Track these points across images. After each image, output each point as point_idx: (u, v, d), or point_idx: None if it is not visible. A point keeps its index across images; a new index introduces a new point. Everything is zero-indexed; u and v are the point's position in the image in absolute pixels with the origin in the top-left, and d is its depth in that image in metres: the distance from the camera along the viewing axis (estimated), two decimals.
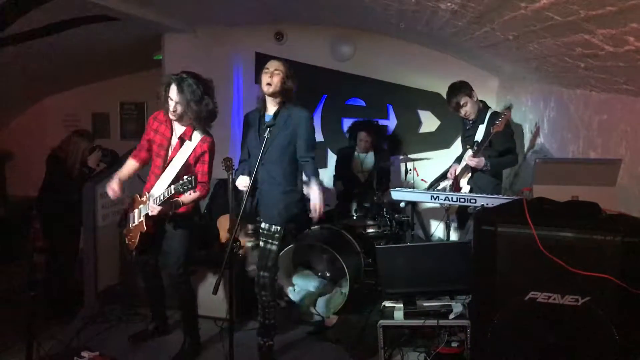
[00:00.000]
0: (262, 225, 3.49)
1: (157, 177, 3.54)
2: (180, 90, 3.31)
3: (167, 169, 3.50)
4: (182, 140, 3.50)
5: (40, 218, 4.78)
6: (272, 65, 3.41)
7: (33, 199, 4.91)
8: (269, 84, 3.37)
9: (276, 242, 3.46)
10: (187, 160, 3.47)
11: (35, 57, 5.67)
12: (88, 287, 4.58)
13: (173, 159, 3.51)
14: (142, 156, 3.71)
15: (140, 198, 3.58)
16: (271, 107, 3.48)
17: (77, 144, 4.62)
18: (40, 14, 4.49)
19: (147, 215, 3.46)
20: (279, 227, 3.45)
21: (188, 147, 3.48)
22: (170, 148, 3.54)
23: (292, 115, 3.42)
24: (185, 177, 3.16)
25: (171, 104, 3.34)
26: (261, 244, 3.50)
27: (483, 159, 4.00)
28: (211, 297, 4.17)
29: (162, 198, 3.34)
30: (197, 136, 3.49)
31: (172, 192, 3.25)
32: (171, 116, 3.41)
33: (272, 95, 3.41)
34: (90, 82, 7.53)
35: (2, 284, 5.00)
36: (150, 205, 3.41)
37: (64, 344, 3.75)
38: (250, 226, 3.63)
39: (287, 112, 3.43)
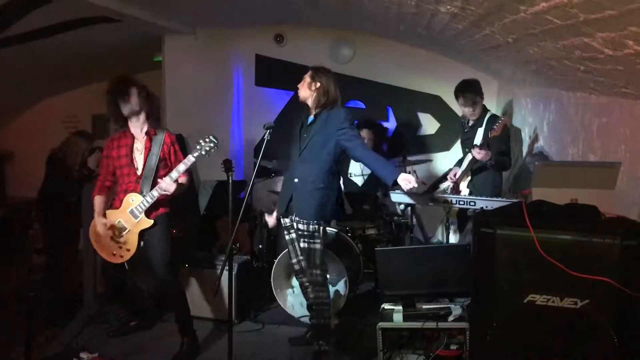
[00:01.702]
0: (300, 226, 3.53)
1: (135, 181, 3.60)
2: (125, 84, 3.60)
3: (145, 167, 3.59)
4: (149, 135, 3.66)
5: (39, 219, 4.78)
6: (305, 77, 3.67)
7: (33, 200, 4.91)
8: (299, 93, 3.67)
9: (318, 241, 3.52)
10: (161, 152, 3.61)
11: (36, 58, 5.67)
12: (87, 288, 4.58)
13: (148, 156, 3.61)
14: (107, 186, 3.77)
15: (128, 200, 3.58)
16: (313, 111, 3.65)
17: (77, 145, 4.63)
18: (41, 15, 4.50)
19: (147, 209, 3.55)
20: (317, 226, 3.50)
21: (158, 140, 3.64)
22: (139, 151, 3.64)
23: (330, 115, 3.55)
24: (201, 140, 3.43)
25: (126, 105, 3.57)
26: (303, 245, 3.54)
27: (489, 152, 3.98)
28: (209, 299, 4.22)
29: (178, 172, 3.48)
30: (160, 131, 3.70)
31: (193, 158, 3.42)
32: (126, 112, 3.58)
33: (302, 101, 3.66)
34: (90, 83, 7.53)
35: (1, 285, 5.00)
36: (165, 183, 3.48)
37: (63, 344, 3.74)
38: (287, 220, 3.69)
39: (327, 112, 3.57)
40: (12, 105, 7.21)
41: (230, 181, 3.27)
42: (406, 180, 3.29)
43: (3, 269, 5.37)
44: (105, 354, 3.65)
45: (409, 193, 3.93)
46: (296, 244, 3.70)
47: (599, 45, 2.19)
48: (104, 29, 5.19)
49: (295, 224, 3.57)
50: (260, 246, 5.28)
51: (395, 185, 3.36)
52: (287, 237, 3.74)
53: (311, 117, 3.64)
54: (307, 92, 3.60)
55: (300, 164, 3.57)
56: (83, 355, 3.55)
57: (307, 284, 3.72)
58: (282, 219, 3.72)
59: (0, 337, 3.85)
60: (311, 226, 3.49)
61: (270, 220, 3.86)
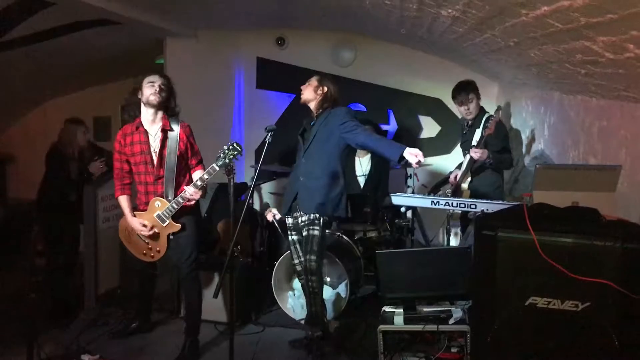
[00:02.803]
0: (303, 217, 3.67)
1: (154, 181, 3.58)
2: (160, 74, 3.61)
3: (165, 167, 3.55)
4: (164, 131, 3.58)
5: (39, 221, 4.79)
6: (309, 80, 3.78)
7: (34, 201, 4.92)
8: (301, 95, 3.77)
9: (317, 228, 3.62)
10: (178, 148, 3.57)
11: (38, 61, 5.68)
12: (88, 290, 4.58)
13: (166, 154, 3.56)
14: (127, 184, 3.73)
15: (154, 205, 3.58)
16: (315, 113, 3.78)
17: (67, 131, 4.66)
18: (43, 17, 4.51)
19: (174, 214, 3.56)
20: (318, 215, 3.62)
21: (174, 136, 3.58)
22: (153, 147, 3.58)
23: (331, 113, 3.69)
24: (224, 147, 3.29)
25: (155, 86, 3.51)
26: (305, 233, 3.65)
27: (487, 151, 3.99)
28: (210, 301, 4.21)
29: (205, 178, 3.45)
30: (175, 124, 3.63)
31: (217, 167, 3.32)
32: (154, 99, 3.50)
33: (304, 103, 3.78)
34: (91, 86, 7.55)
35: (3, 287, 5.00)
36: (190, 192, 3.47)
37: (64, 347, 3.75)
38: (290, 220, 3.83)
39: (327, 112, 3.71)
40: (13, 107, 7.22)
41: (232, 184, 3.28)
42: (412, 154, 3.33)
43: (4, 270, 5.37)
44: (106, 355, 3.65)
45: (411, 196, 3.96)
46: (297, 245, 3.72)
47: (600, 48, 2.20)
48: (105, 32, 5.21)
49: (299, 218, 3.70)
50: (261, 249, 5.29)
51: (402, 161, 3.41)
52: (289, 238, 3.83)
53: (313, 121, 3.75)
54: (311, 94, 3.71)
55: (304, 163, 3.69)
56: (84, 357, 3.56)
57: (300, 270, 3.77)
58: (286, 219, 3.82)
59: (1, 339, 3.86)
60: (312, 215, 3.62)
61: (269, 216, 3.96)
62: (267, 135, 3.31)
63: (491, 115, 4.13)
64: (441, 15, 3.27)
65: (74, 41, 5.25)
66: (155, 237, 3.64)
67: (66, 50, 5.52)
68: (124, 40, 5.86)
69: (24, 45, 5.01)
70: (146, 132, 3.58)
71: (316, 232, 3.62)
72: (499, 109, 4.10)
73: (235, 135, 6.36)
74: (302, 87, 3.78)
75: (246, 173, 6.35)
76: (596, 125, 3.22)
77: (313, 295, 3.71)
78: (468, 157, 4.14)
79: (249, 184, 5.72)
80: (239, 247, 4.45)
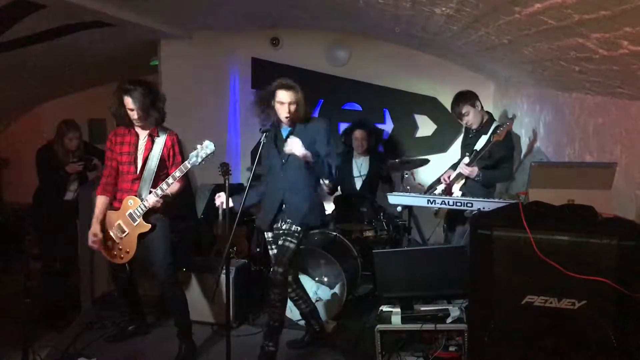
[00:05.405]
0: (283, 226, 3.56)
1: (131, 181, 3.61)
2: (134, 98, 3.50)
3: (145, 168, 3.59)
4: (152, 137, 3.65)
5: (34, 225, 4.78)
6: (286, 97, 3.45)
7: (28, 205, 4.90)
8: (287, 117, 3.46)
9: (295, 241, 3.51)
10: (161, 154, 3.61)
11: (32, 64, 5.66)
12: (84, 294, 4.56)
13: (148, 157, 3.61)
14: (111, 184, 3.72)
15: (127, 203, 3.57)
16: (288, 124, 3.57)
17: (59, 131, 4.76)
18: (37, 20, 4.48)
19: (146, 212, 3.53)
20: (299, 228, 3.52)
21: (159, 142, 3.65)
22: (139, 151, 3.64)
23: (310, 126, 3.54)
24: (198, 146, 3.40)
25: (131, 113, 3.54)
26: (280, 242, 3.55)
27: (476, 168, 4.01)
28: (206, 303, 4.21)
29: (177, 175, 3.47)
30: (163, 132, 3.69)
31: (189, 165, 3.41)
32: (136, 123, 3.60)
33: (291, 122, 3.51)
34: (86, 88, 7.53)
35: None
36: (152, 198, 3.47)
37: (60, 351, 3.73)
38: (269, 234, 3.71)
39: (305, 121, 3.55)
40: (7, 111, 7.19)
41: (227, 184, 3.26)
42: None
43: (0, 275, 5.36)
44: (103, 359, 3.64)
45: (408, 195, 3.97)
46: None
47: (594, 45, 2.19)
48: (99, 34, 5.19)
49: (280, 229, 3.58)
50: (258, 249, 5.28)
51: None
52: (270, 252, 3.74)
53: (286, 129, 3.58)
54: (297, 114, 3.48)
55: (284, 176, 3.56)
56: None
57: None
58: (265, 234, 3.73)
59: None
60: (293, 226, 3.52)
61: (217, 201, 3.73)
62: (262, 136, 3.30)
63: (499, 125, 4.10)
64: (435, 13, 3.27)
65: (67, 44, 5.23)
66: (124, 237, 3.62)
67: (59, 52, 5.50)
68: (118, 42, 5.84)
69: (18, 48, 4.99)
70: (137, 135, 3.66)
71: (292, 246, 3.49)
72: (513, 117, 4.09)
73: (231, 136, 6.35)
74: (284, 109, 3.45)
75: (242, 174, 6.34)
76: (591, 122, 3.21)
77: (272, 309, 3.53)
78: (466, 159, 4.14)
79: (244, 184, 5.72)
80: (235, 248, 4.44)
